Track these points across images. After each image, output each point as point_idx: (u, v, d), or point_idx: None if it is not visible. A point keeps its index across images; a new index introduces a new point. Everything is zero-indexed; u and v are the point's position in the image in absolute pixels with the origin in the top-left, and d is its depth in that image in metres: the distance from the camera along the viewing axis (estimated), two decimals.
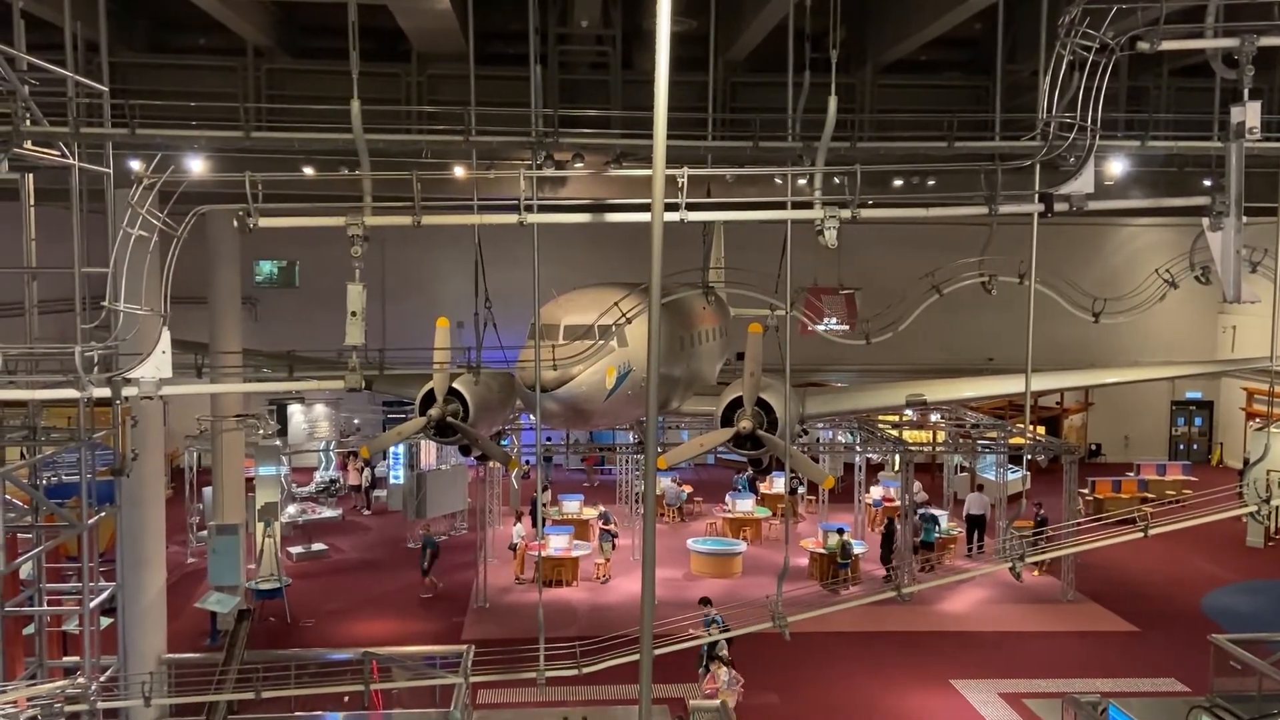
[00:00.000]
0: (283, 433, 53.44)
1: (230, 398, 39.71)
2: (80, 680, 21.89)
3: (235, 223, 20.85)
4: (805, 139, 22.13)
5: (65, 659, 24.45)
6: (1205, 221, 21.35)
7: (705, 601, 31.64)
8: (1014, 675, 33.30)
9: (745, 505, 49.25)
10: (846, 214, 21.57)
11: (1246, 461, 29.63)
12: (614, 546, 43.32)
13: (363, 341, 21.73)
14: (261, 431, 43.21)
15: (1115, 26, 19.10)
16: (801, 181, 23.13)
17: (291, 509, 48.09)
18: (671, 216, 20.62)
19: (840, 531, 42.16)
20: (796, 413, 28.81)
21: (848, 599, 32.01)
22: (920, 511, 42.70)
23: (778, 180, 24.15)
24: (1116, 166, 24.48)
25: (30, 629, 23.80)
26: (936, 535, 43.46)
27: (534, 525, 40.08)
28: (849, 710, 31.10)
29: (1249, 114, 19.72)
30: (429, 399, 28.29)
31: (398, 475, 52.12)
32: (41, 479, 24.48)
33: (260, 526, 39.05)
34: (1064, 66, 19.47)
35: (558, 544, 42.33)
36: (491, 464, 40.01)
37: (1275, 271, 25.83)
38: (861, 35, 28.36)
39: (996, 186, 21.55)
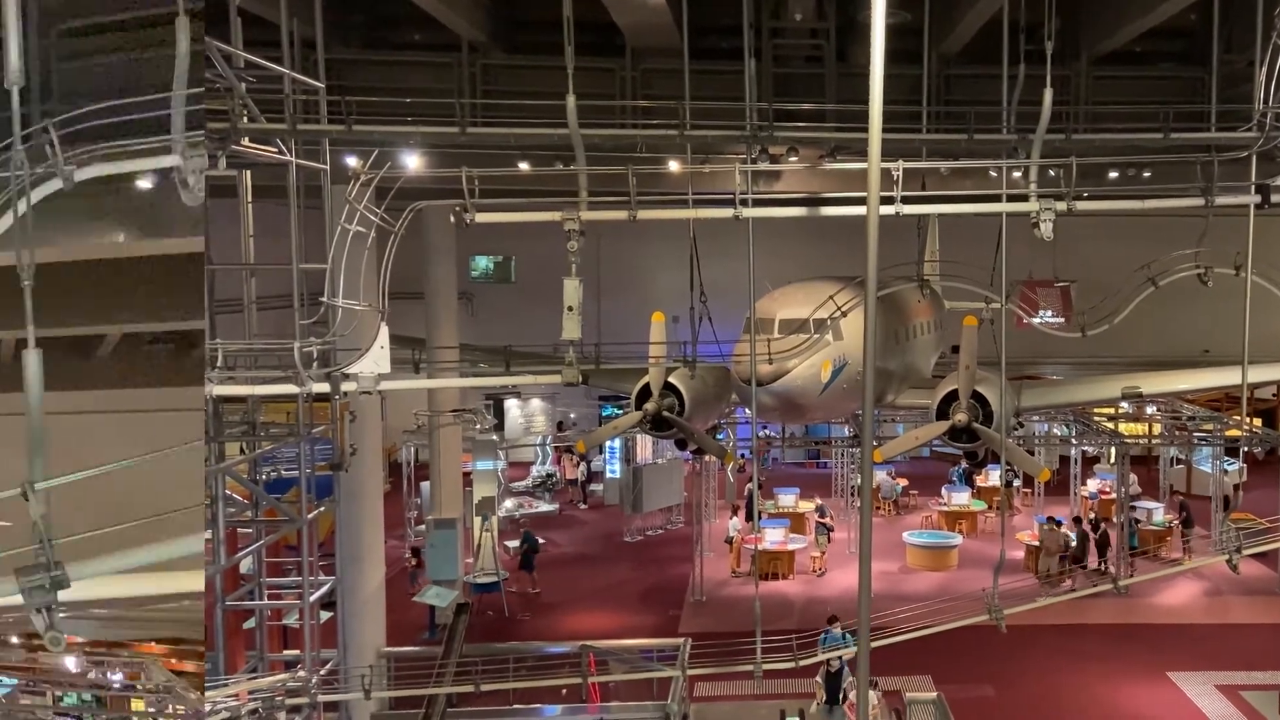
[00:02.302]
0: (499, 427, 54.29)
1: (447, 393, 40.22)
2: (301, 674, 22.29)
3: (452, 218, 21.15)
4: (1020, 131, 21.94)
5: (285, 652, 24.80)
6: None
7: (833, 620, 29.76)
8: (1230, 668, 32.96)
9: (961, 498, 49.12)
10: (1062, 206, 21.92)
11: None
12: (829, 539, 43.04)
13: (579, 336, 21.97)
14: (478, 426, 43.80)
15: None
16: (1016, 174, 23.03)
17: (508, 503, 48.56)
18: (886, 210, 20.59)
19: (1058, 524, 41.58)
20: (1012, 406, 29.06)
21: (1065, 591, 31.91)
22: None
23: (993, 173, 23.93)
24: None
25: (251, 623, 24.27)
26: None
27: (749, 519, 39.83)
28: (1064, 701, 31.19)
29: None
30: (645, 393, 28.79)
31: (614, 469, 52.40)
32: (261, 474, 24.97)
33: (478, 521, 39.48)
34: None
35: (773, 537, 42.22)
36: (707, 458, 39.95)
37: None
38: (1076, 27, 27.84)
39: (1213, 178, 21.66)
